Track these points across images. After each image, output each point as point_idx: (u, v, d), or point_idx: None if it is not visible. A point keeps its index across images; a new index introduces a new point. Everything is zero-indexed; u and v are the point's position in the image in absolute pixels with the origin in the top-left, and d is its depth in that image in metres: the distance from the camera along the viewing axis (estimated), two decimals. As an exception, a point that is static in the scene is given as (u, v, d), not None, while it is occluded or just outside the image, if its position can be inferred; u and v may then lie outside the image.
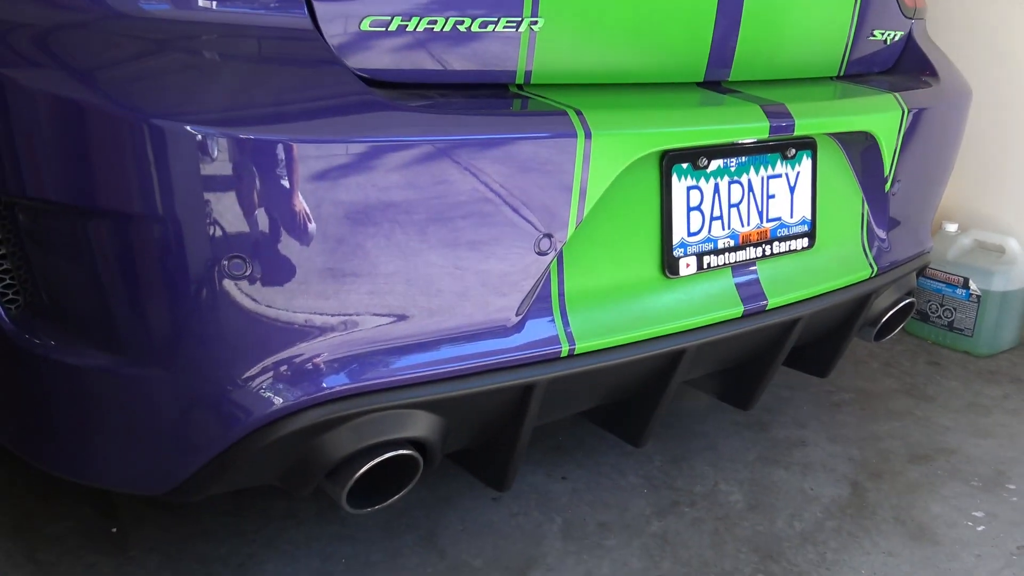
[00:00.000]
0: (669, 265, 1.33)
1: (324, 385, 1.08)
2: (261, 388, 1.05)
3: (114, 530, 1.51)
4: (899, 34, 1.78)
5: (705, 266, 1.38)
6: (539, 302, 1.20)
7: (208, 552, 1.46)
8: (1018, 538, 1.62)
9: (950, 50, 2.12)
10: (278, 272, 1.02)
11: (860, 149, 1.61)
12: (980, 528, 1.64)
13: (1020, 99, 2.48)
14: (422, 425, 1.16)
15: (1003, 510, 1.70)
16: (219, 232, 0.99)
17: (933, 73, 1.79)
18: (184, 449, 1.08)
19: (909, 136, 1.63)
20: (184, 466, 1.09)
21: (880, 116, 1.56)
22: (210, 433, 1.07)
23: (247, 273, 1.00)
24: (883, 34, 1.73)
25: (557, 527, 1.57)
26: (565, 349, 1.22)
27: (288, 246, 1.02)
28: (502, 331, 1.17)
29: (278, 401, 1.05)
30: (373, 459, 1.13)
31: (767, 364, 1.61)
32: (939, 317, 2.49)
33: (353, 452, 1.12)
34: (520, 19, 1.18)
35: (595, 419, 1.60)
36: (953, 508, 1.70)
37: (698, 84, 1.44)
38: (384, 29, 1.10)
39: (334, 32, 1.07)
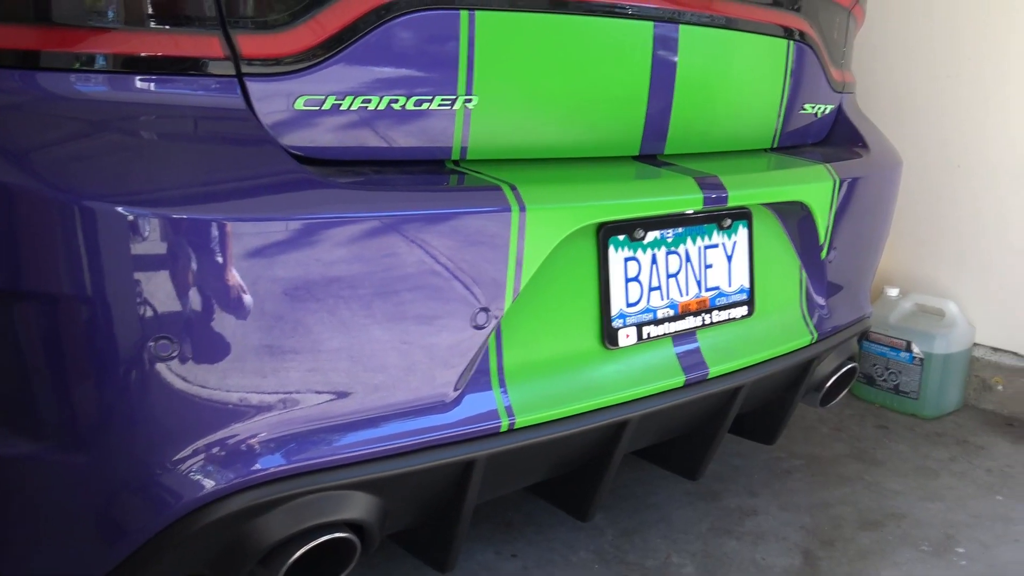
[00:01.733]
0: (609, 336, 1.34)
1: (258, 466, 1.05)
2: (192, 471, 1.03)
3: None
4: (829, 107, 1.84)
5: (645, 336, 1.39)
6: (478, 376, 1.20)
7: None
8: (968, 602, 1.62)
9: (880, 120, 2.20)
10: (209, 352, 1.01)
11: (796, 219, 1.65)
12: (931, 593, 1.64)
13: (949, 165, 2.57)
14: (359, 506, 1.14)
15: (952, 574, 1.70)
16: (150, 313, 0.98)
17: (864, 144, 1.85)
18: (111, 537, 1.05)
19: (842, 205, 1.68)
20: (111, 555, 1.05)
21: (812, 186, 1.60)
22: (138, 519, 1.03)
23: (175, 353, 0.98)
24: (813, 107, 1.79)
25: (507, 606, 1.54)
26: (505, 424, 1.21)
27: (220, 326, 1.01)
28: (441, 407, 1.16)
29: (209, 484, 1.03)
30: (308, 543, 1.10)
31: (712, 433, 1.61)
32: (885, 380, 2.53)
33: (287, 536, 1.09)
34: (455, 97, 1.20)
35: (541, 493, 1.59)
36: (904, 574, 1.70)
37: (633, 158, 1.47)
38: (318, 108, 1.11)
39: (268, 111, 1.08)
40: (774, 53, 1.64)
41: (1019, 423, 2.47)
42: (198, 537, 1.05)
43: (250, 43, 1.07)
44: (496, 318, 1.18)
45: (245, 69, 1.08)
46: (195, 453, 1.03)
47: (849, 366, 1.81)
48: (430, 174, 1.19)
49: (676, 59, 1.43)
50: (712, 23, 1.49)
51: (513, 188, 1.18)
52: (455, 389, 1.17)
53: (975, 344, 2.56)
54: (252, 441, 1.05)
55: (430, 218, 1.09)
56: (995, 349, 2.56)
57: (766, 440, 1.84)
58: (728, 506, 1.92)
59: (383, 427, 1.12)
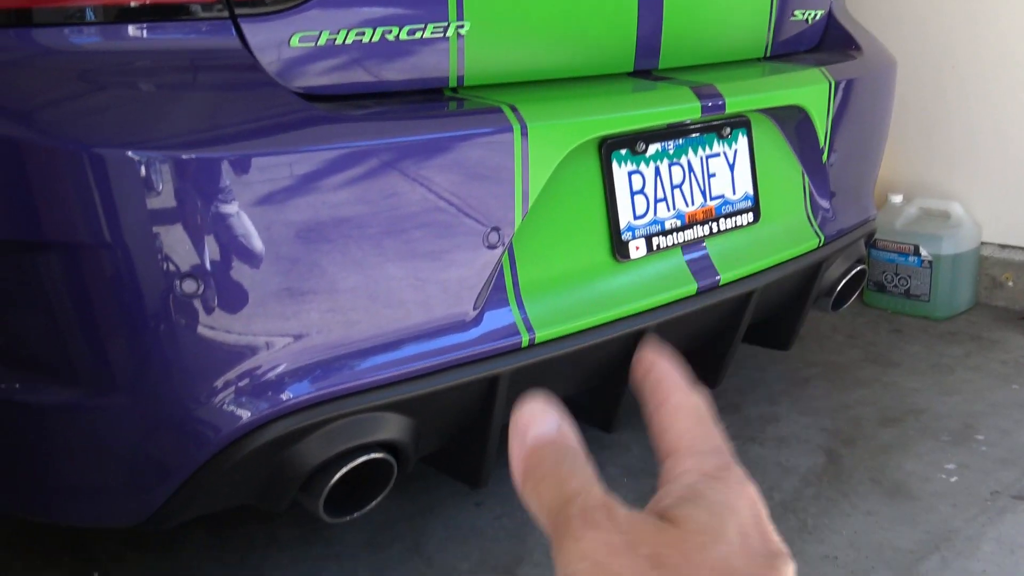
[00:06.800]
0: (619, 249, 1.36)
1: (290, 394, 1.08)
2: (227, 404, 1.06)
3: (95, 574, 1.49)
4: (819, 12, 1.84)
5: (655, 247, 1.41)
6: (495, 294, 1.22)
7: (194, 587, 1.46)
8: (991, 484, 1.65)
9: (871, 26, 2.19)
10: (233, 287, 1.03)
11: (794, 124, 1.66)
12: (953, 479, 1.68)
13: (943, 67, 2.56)
14: (392, 427, 1.17)
15: (974, 460, 1.74)
16: (169, 254, 1.00)
17: (857, 47, 1.85)
18: (155, 475, 1.08)
19: (840, 108, 1.69)
20: (157, 492, 1.09)
21: (808, 89, 1.61)
22: (180, 455, 1.07)
23: (200, 292, 1.01)
24: (804, 14, 1.79)
25: (541, 525, 1.58)
26: (525, 339, 1.24)
27: (242, 260, 1.03)
28: (462, 326, 1.19)
29: (245, 415, 1.06)
30: (346, 465, 1.13)
31: (728, 340, 1.64)
32: (895, 286, 2.55)
33: (325, 460, 1.13)
34: (447, 23, 1.21)
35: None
36: (926, 463, 1.73)
37: (629, 74, 1.48)
38: (314, 44, 1.13)
39: (264, 51, 1.09)
40: (760, -41, 1.64)
41: (1031, 316, 2.49)
42: (239, 468, 1.09)
43: (241, -18, 1.08)
44: (507, 237, 1.20)
45: (238, 11, 1.09)
46: (227, 386, 1.06)
47: (858, 268, 1.83)
48: (431, 102, 1.21)
49: (663, -29, 1.43)
50: (696, -68, 1.49)
51: (513, 108, 1.19)
52: (475, 308, 1.20)
53: (983, 243, 2.57)
54: (281, 371, 1.08)
55: (438, 142, 1.11)
56: (1003, 246, 2.57)
57: (781, 346, 1.87)
58: (749, 415, 1.95)
59: (407, 349, 1.15)
